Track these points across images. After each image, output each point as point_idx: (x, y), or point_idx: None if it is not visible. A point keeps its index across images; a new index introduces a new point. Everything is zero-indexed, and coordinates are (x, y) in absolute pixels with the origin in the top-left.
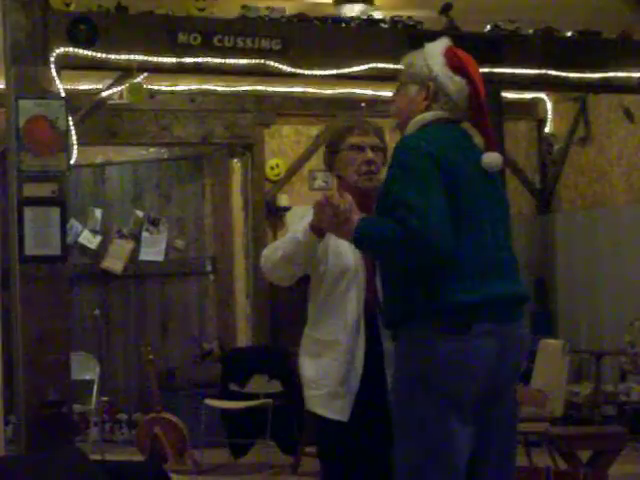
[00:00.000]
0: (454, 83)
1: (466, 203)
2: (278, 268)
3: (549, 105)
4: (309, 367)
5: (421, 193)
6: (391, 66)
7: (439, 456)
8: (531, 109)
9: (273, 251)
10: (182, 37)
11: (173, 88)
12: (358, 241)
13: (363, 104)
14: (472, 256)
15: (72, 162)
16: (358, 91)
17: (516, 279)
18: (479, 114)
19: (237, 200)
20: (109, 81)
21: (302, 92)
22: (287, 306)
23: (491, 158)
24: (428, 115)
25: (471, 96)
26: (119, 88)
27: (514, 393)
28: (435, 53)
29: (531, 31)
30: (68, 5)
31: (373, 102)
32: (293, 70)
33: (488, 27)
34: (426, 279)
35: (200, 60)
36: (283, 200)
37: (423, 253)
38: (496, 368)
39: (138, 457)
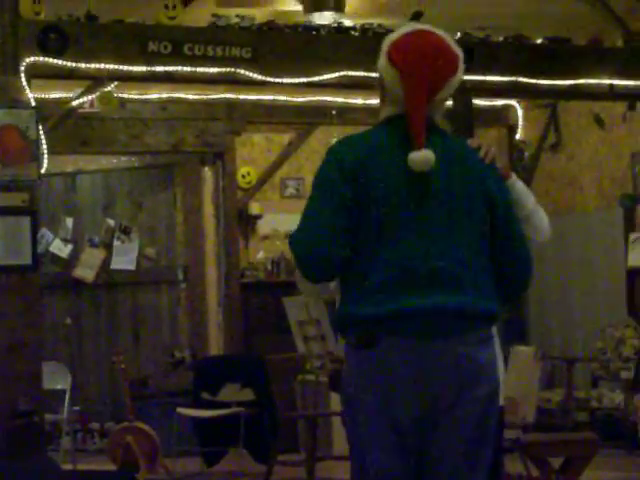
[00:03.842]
0: (388, 74)
1: (381, 211)
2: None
3: (520, 112)
4: None
5: (312, 203)
6: (362, 74)
7: (360, 473)
8: (502, 116)
9: None
10: (152, 46)
11: (144, 96)
12: None
13: (334, 112)
14: (384, 267)
15: (43, 171)
16: (329, 99)
17: (456, 291)
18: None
19: (208, 208)
20: (79, 90)
21: (272, 100)
22: (259, 314)
23: (415, 158)
24: (382, 114)
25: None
26: (90, 97)
27: (476, 421)
28: (385, 43)
29: (501, 38)
30: (38, 14)
31: (344, 110)
32: (263, 78)
33: (458, 35)
34: (342, 292)
35: (170, 68)
36: (255, 208)
37: (299, 264)
38: (422, 388)
39: (110, 466)
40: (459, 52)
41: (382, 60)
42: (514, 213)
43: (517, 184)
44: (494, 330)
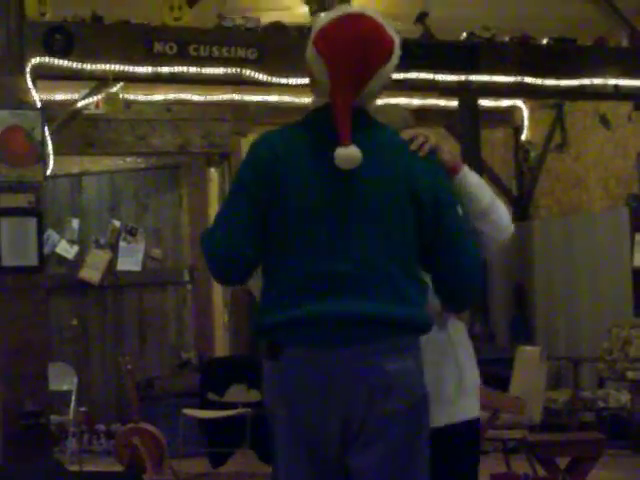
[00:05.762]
0: (315, 64)
1: (295, 212)
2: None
3: (525, 112)
4: None
5: (226, 203)
6: None
7: None
8: (507, 116)
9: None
10: (158, 46)
11: (149, 98)
12: None
13: None
14: (291, 272)
15: (48, 172)
16: None
17: (364, 296)
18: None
19: (214, 209)
20: (85, 91)
21: (278, 101)
22: None
23: (341, 155)
24: (312, 104)
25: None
26: (95, 98)
27: (397, 439)
28: (313, 30)
29: (507, 39)
30: (44, 15)
31: None
32: (269, 79)
33: (464, 35)
34: (260, 297)
35: (176, 69)
36: None
37: (208, 264)
38: (330, 401)
39: (116, 467)
40: (394, 37)
41: (309, 49)
42: (452, 214)
43: (469, 177)
44: (423, 340)
